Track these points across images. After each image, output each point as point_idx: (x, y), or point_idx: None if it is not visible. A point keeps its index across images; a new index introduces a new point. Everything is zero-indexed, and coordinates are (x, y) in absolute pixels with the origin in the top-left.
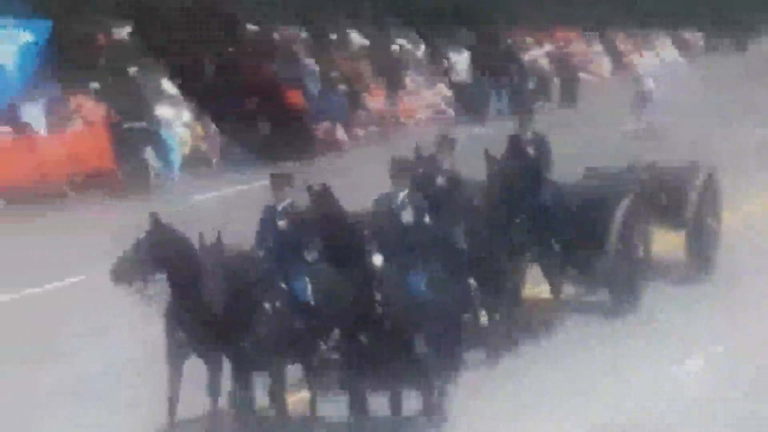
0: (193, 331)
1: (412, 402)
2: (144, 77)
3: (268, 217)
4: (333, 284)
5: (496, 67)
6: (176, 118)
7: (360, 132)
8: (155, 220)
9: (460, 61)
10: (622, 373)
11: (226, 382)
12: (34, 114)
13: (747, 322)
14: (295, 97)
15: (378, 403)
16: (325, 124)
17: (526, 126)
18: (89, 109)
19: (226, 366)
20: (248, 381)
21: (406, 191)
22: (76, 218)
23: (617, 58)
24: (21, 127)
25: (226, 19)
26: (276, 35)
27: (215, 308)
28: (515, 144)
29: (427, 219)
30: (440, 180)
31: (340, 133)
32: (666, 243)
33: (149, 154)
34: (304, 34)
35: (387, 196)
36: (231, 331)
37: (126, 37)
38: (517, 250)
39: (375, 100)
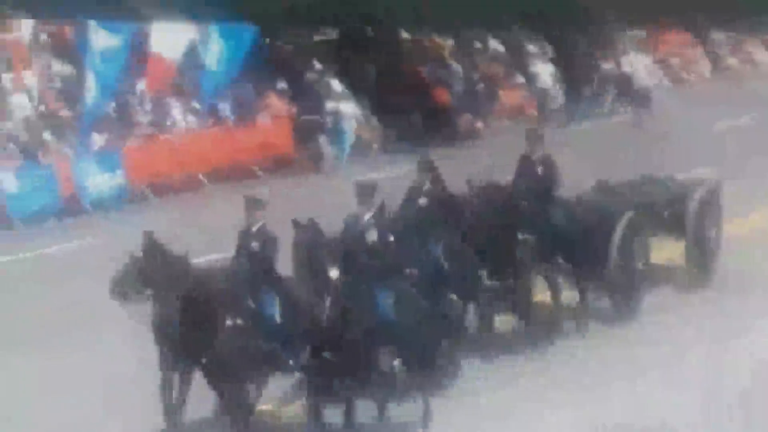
0: (169, 345)
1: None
2: (319, 79)
3: (243, 239)
4: (301, 303)
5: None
6: (345, 113)
7: (495, 124)
8: (149, 239)
9: (543, 68)
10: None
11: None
12: (231, 109)
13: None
14: (441, 94)
15: (335, 414)
16: (466, 117)
17: (535, 147)
18: (275, 105)
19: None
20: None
21: (372, 212)
22: (264, 192)
23: (717, 60)
24: (220, 120)
25: (387, 30)
26: (427, 43)
27: (181, 322)
28: (524, 164)
29: (391, 239)
30: (422, 199)
31: (478, 125)
32: (666, 252)
33: (323, 141)
34: (450, 42)
35: (354, 218)
36: (192, 346)
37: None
38: (521, 266)
39: (507, 97)
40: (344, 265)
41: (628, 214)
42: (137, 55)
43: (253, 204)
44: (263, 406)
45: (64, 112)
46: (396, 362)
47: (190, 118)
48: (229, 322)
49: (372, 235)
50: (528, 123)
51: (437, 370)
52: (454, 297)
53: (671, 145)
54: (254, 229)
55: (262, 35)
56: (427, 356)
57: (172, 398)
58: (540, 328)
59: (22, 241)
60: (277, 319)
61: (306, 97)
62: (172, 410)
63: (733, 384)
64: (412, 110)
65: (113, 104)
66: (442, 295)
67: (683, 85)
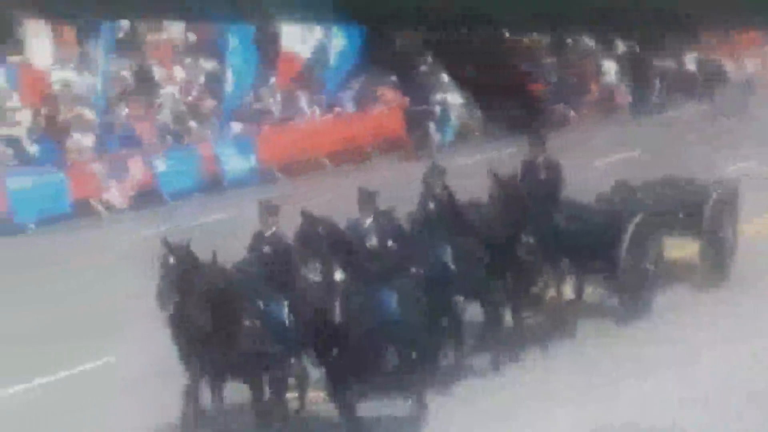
0: (187, 343)
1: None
2: (428, 72)
3: (257, 242)
4: (310, 305)
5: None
6: (451, 102)
7: (585, 113)
8: (167, 244)
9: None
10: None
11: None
12: (350, 100)
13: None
14: (537, 86)
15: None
16: (559, 107)
17: (537, 151)
18: (389, 96)
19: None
20: (221, 391)
21: (371, 219)
22: (378, 175)
23: None
24: (339, 110)
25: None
26: (525, 41)
27: (200, 322)
28: (527, 169)
29: (391, 243)
30: (430, 202)
31: (570, 114)
32: (681, 250)
33: (430, 128)
34: (544, 39)
35: (355, 223)
36: (211, 344)
37: (418, 42)
38: (525, 268)
39: (594, 90)
40: (343, 264)
41: (639, 216)
42: (269, 53)
43: (268, 209)
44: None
45: (207, 103)
46: (398, 361)
47: (315, 108)
48: (247, 323)
49: (372, 240)
50: (615, 114)
51: (440, 370)
52: (460, 298)
53: (727, 141)
54: (268, 233)
55: (376, 34)
56: (431, 356)
57: (193, 406)
58: (548, 328)
59: (168, 215)
60: (285, 321)
61: (416, 88)
62: (192, 419)
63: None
64: (510, 100)
65: (249, 96)
66: (448, 296)
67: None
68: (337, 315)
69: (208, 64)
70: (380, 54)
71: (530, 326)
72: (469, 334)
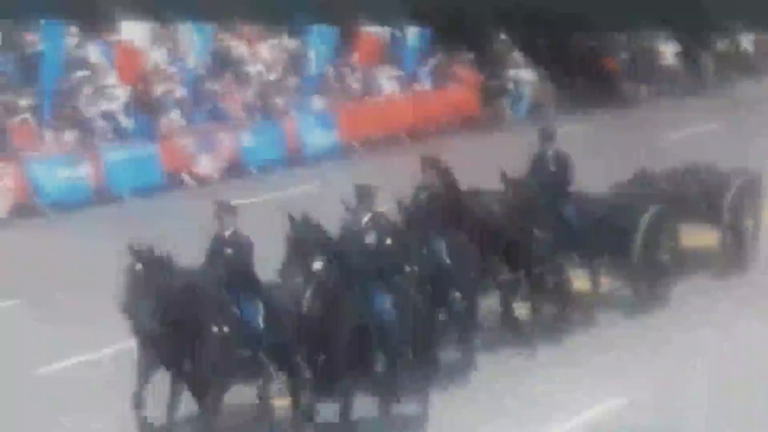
0: (156, 350)
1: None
2: (502, 50)
3: (216, 245)
4: (285, 307)
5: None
6: (524, 79)
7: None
8: (132, 250)
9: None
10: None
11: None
12: (425, 77)
13: None
14: (611, 64)
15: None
16: (629, 83)
17: (549, 143)
18: (463, 72)
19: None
20: (203, 400)
21: (370, 215)
22: (454, 148)
23: None
24: (417, 87)
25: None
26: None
27: (163, 330)
28: (537, 161)
29: (389, 242)
30: (423, 196)
31: (641, 91)
32: (701, 238)
33: (504, 103)
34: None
35: (352, 219)
36: (176, 354)
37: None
38: (537, 259)
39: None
40: (336, 265)
41: (656, 206)
42: (350, 32)
43: (225, 209)
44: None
45: (291, 80)
46: (391, 362)
47: (393, 84)
48: (215, 329)
49: (369, 238)
50: (676, 89)
51: (439, 369)
52: (457, 295)
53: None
54: (227, 234)
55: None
56: (427, 356)
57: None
58: (562, 321)
59: (254, 187)
60: (260, 325)
61: (490, 65)
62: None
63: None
64: (581, 76)
65: (331, 74)
66: (444, 293)
67: None
68: (327, 317)
69: (292, 43)
70: (455, 33)
71: (544, 320)
72: (479, 329)
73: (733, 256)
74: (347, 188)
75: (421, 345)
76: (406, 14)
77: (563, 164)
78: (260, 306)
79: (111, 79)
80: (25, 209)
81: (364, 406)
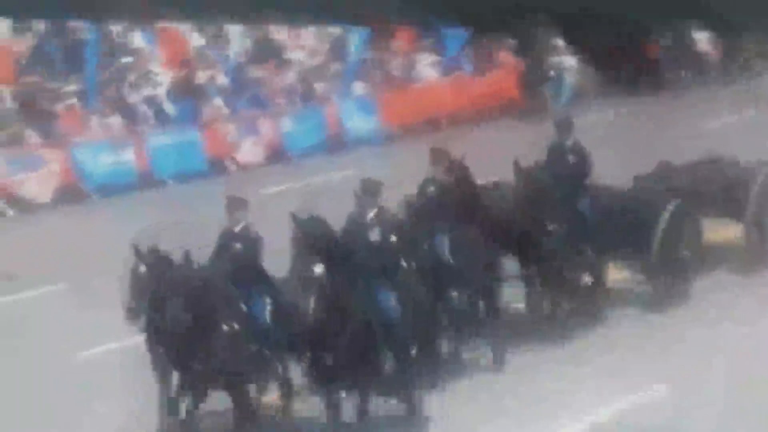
0: (164, 348)
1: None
2: (544, 36)
3: (225, 240)
4: (293, 304)
5: None
6: (566, 65)
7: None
8: (136, 251)
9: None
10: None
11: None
12: (466, 62)
13: None
14: (652, 50)
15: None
16: (671, 69)
17: (566, 134)
18: (505, 59)
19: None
20: (201, 399)
21: (375, 210)
22: (496, 134)
23: None
24: (458, 73)
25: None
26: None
27: (176, 328)
28: (554, 152)
29: (393, 239)
30: (431, 190)
31: (681, 79)
32: (724, 232)
33: (546, 89)
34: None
35: (357, 215)
36: (186, 351)
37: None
38: (550, 254)
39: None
40: (341, 263)
41: (677, 199)
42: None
43: (235, 204)
44: (271, 399)
45: (333, 66)
46: (398, 360)
47: (434, 70)
48: (225, 327)
49: (374, 235)
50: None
51: (441, 366)
52: (455, 294)
53: None
54: (237, 229)
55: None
56: (429, 353)
57: (177, 411)
58: (576, 317)
59: (295, 173)
60: (268, 321)
61: (532, 51)
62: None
63: None
64: (624, 62)
65: (372, 59)
66: (444, 290)
67: None
68: (331, 318)
69: (334, 30)
70: (497, 18)
71: (559, 316)
72: (483, 326)
73: (756, 252)
74: (387, 174)
75: (424, 342)
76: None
77: (580, 156)
78: (268, 302)
79: (155, 65)
80: (70, 194)
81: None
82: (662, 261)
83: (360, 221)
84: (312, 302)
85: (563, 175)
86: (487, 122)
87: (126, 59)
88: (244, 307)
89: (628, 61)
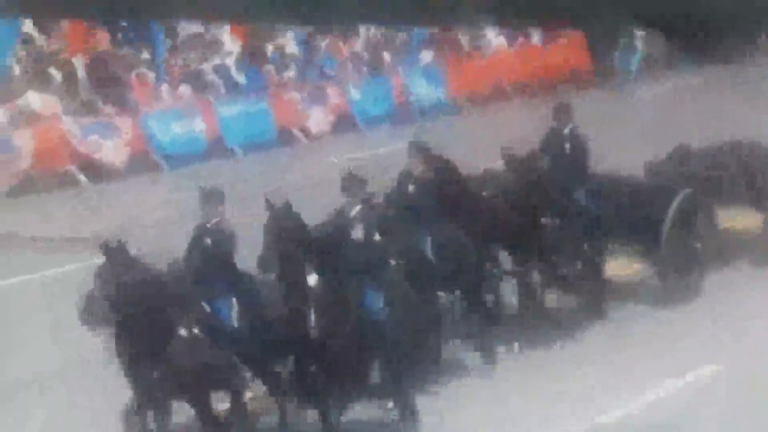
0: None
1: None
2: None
3: (198, 234)
4: (264, 305)
5: None
6: (636, 33)
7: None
8: (111, 247)
9: None
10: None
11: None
12: (534, 31)
13: None
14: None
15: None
16: (743, 37)
17: (564, 120)
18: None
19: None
20: (165, 408)
21: (359, 207)
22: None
23: None
24: (525, 41)
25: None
26: None
27: (127, 333)
28: (551, 139)
29: (378, 237)
30: (411, 188)
31: (755, 46)
32: (739, 224)
33: (617, 59)
34: None
35: (339, 213)
36: (141, 359)
37: None
38: (550, 247)
39: None
40: (322, 262)
41: (688, 191)
42: None
43: (211, 196)
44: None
45: (399, 35)
46: (389, 363)
47: (502, 39)
48: (183, 331)
49: (357, 232)
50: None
51: (435, 368)
52: (442, 293)
53: None
54: (210, 224)
55: None
56: (421, 354)
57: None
58: (578, 312)
59: (362, 143)
60: (234, 324)
61: (599, 21)
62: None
63: None
64: (695, 30)
65: (437, 27)
66: (428, 290)
67: None
68: (312, 319)
69: None
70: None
71: (560, 312)
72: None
73: None
74: (454, 143)
75: (415, 343)
76: None
77: (579, 144)
78: (235, 304)
79: (224, 34)
80: (140, 162)
81: (360, 407)
82: (671, 254)
83: (343, 218)
84: (302, 310)
85: (560, 163)
86: (555, 91)
87: (196, 27)
88: (207, 308)
89: (699, 27)
